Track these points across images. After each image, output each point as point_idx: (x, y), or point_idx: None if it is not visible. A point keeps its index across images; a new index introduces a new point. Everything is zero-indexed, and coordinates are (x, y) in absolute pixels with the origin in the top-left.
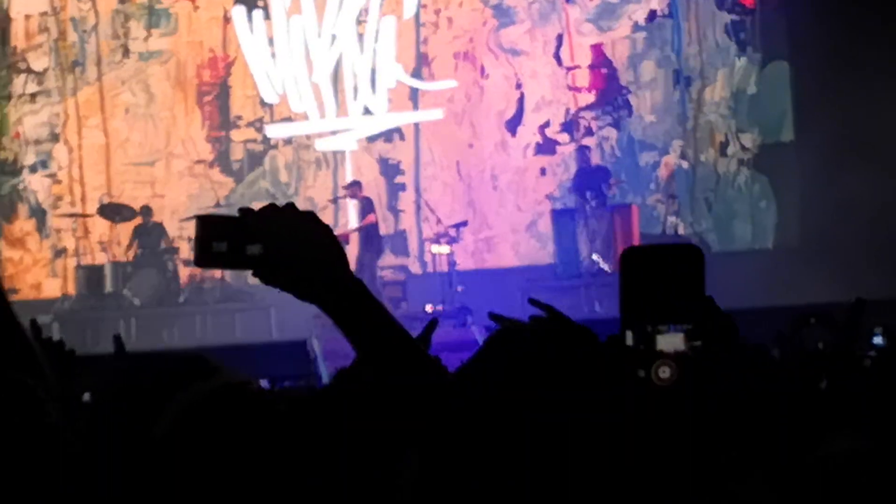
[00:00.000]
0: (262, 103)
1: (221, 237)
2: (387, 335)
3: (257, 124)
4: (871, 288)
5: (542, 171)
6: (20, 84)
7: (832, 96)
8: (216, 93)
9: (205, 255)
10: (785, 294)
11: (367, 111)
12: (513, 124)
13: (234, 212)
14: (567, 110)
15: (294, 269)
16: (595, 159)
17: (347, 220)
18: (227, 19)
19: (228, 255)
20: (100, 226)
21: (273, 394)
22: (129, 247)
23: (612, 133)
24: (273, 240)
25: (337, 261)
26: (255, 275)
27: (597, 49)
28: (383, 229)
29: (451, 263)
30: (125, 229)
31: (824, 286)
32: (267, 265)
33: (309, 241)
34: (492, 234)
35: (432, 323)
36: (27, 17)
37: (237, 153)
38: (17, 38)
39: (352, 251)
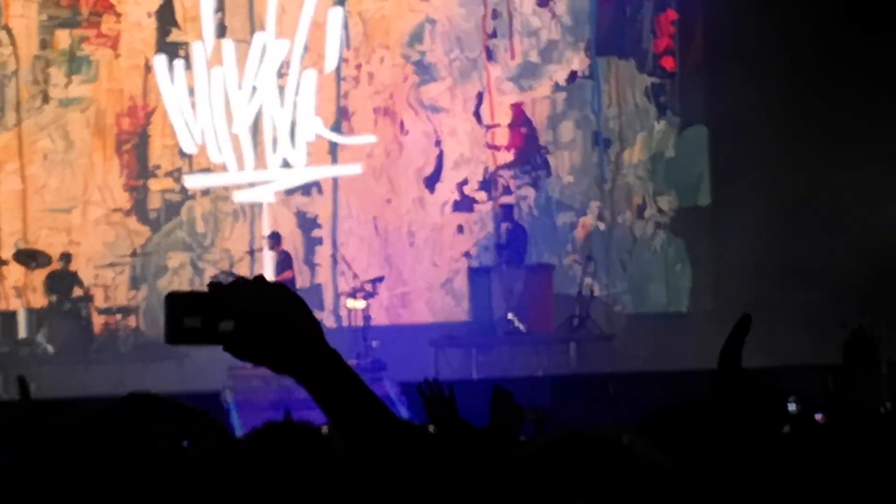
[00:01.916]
0: (181, 153)
1: (194, 313)
2: (363, 406)
3: (175, 174)
4: (786, 354)
5: (460, 229)
6: None
7: (749, 162)
8: (135, 141)
9: (176, 332)
10: (699, 357)
11: (285, 164)
12: (431, 181)
13: (150, 260)
14: (486, 168)
15: (267, 343)
16: (513, 218)
17: (263, 272)
18: (148, 68)
19: (201, 331)
20: (15, 271)
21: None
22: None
23: (530, 192)
24: (245, 314)
25: (309, 332)
26: (226, 349)
27: (517, 108)
28: (299, 282)
29: (366, 318)
30: (40, 275)
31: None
32: (239, 340)
33: (280, 313)
34: (407, 290)
35: None
36: None
37: (154, 202)
38: None
39: None
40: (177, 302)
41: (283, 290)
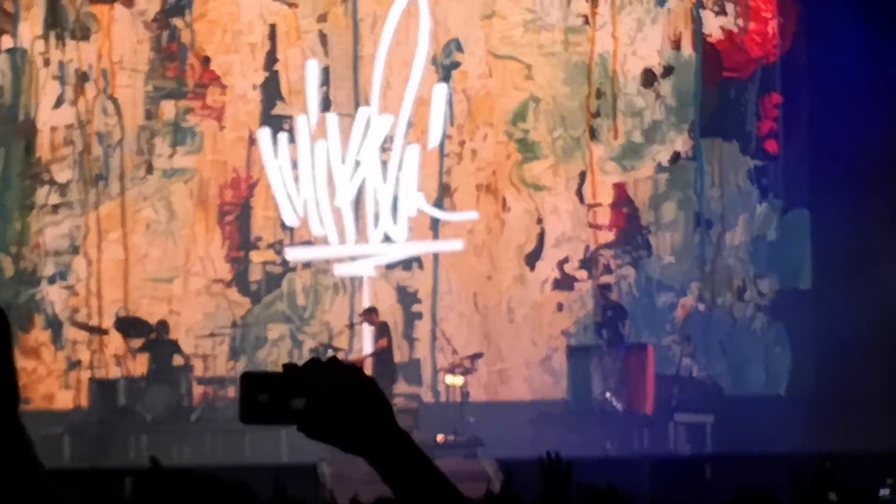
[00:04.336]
0: (283, 226)
1: (265, 389)
2: (433, 489)
3: (277, 246)
4: (884, 439)
5: (559, 307)
6: (43, 195)
7: (852, 246)
8: (237, 213)
9: (249, 409)
10: (796, 441)
11: (387, 238)
12: (532, 258)
13: (249, 331)
14: (587, 247)
15: (338, 423)
16: (613, 298)
17: (363, 345)
18: (252, 140)
19: (272, 406)
20: (115, 340)
21: None
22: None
23: (630, 272)
24: (316, 393)
25: (380, 414)
26: (299, 429)
27: (619, 188)
28: (397, 357)
29: (465, 394)
30: (140, 344)
31: (837, 435)
32: (311, 419)
33: (352, 394)
34: (506, 367)
35: None
36: (53, 129)
37: (255, 274)
38: (43, 149)
39: None
40: (250, 380)
41: (354, 371)
